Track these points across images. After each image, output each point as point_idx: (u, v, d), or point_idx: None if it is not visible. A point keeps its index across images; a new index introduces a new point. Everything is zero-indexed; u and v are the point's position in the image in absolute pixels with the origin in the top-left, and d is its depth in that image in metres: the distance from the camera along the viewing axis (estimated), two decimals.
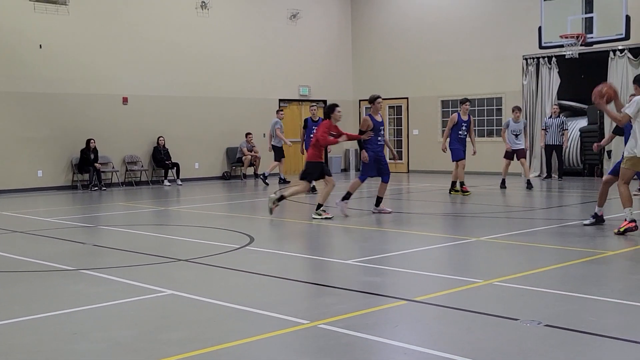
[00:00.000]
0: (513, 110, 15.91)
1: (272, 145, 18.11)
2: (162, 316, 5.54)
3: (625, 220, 8.89)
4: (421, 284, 6.60)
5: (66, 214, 12.68)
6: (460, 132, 14.47)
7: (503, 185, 15.83)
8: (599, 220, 9.71)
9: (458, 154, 14.49)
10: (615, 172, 9.39)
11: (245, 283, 6.73)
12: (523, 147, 15.72)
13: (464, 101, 14.62)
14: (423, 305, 5.70)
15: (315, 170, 11.44)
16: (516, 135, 15.61)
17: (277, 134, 17.96)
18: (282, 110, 19.10)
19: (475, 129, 20.30)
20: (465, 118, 14.46)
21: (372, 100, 11.68)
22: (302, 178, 11.51)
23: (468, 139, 14.72)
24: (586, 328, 4.92)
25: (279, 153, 18.14)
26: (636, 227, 8.83)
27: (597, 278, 6.74)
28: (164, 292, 6.20)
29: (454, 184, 14.71)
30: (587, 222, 9.85)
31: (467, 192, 14.57)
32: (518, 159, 15.87)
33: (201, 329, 5.16)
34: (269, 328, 5.09)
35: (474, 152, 15.03)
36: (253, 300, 5.91)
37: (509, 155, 15.83)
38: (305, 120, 16.35)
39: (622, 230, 8.83)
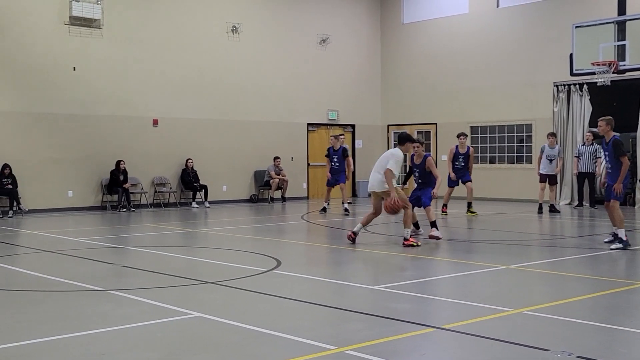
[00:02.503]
0: (548, 136, 16.75)
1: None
2: (188, 338, 5.53)
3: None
4: (449, 311, 6.53)
5: (95, 235, 12.79)
6: (456, 163, 15.74)
7: (540, 210, 16.47)
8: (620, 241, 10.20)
9: (450, 182, 15.74)
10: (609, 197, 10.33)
11: (271, 307, 6.70)
12: (554, 173, 16.63)
13: (459, 135, 15.91)
14: (451, 333, 5.63)
15: None
16: (550, 161, 16.48)
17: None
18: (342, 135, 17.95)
19: (505, 156, 20.31)
20: (462, 151, 15.71)
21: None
22: None
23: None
24: None
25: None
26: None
27: (628, 309, 6.61)
28: (190, 315, 6.20)
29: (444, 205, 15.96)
30: (613, 246, 10.19)
31: (445, 213, 15.71)
32: (551, 185, 16.70)
33: (227, 353, 5.15)
34: (295, 353, 5.06)
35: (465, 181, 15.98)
36: (279, 324, 5.88)
37: (543, 178, 16.62)
38: (328, 149, 16.92)
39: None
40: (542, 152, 16.65)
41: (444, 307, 6.72)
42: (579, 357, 4.86)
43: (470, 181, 15.88)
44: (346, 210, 16.37)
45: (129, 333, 5.67)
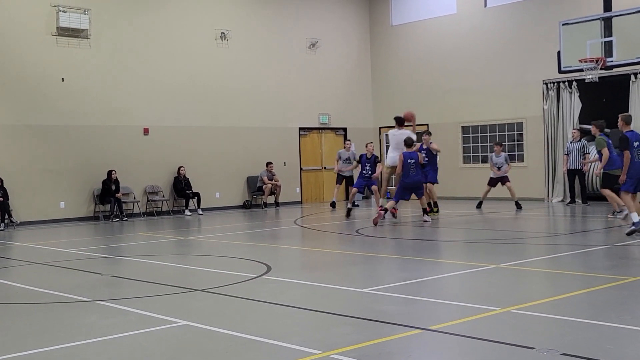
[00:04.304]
0: (494, 145, 18.06)
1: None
2: (174, 347, 5.51)
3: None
4: (437, 312, 6.51)
5: (87, 245, 12.75)
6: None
7: (479, 206, 17.58)
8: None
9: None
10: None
11: (259, 313, 6.68)
12: (505, 174, 17.69)
13: (423, 133, 16.80)
14: (438, 334, 5.62)
15: None
16: (498, 168, 17.64)
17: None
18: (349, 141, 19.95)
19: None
20: (425, 146, 16.17)
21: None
22: None
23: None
24: (604, 356, 4.80)
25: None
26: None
27: (615, 305, 6.60)
28: (178, 323, 6.18)
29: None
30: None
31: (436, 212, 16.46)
32: (503, 184, 17.65)
33: None
34: (280, 358, 5.04)
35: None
36: (266, 330, 5.86)
37: (492, 182, 17.77)
38: (360, 157, 17.39)
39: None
40: (491, 160, 17.86)
41: (432, 308, 6.70)
42: (563, 354, 4.85)
43: (431, 182, 16.01)
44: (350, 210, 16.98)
45: (115, 343, 5.64)
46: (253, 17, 21.19)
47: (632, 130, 11.60)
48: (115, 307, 6.96)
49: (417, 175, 14.62)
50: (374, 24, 23.88)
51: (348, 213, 16.44)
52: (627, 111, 18.00)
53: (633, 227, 10.93)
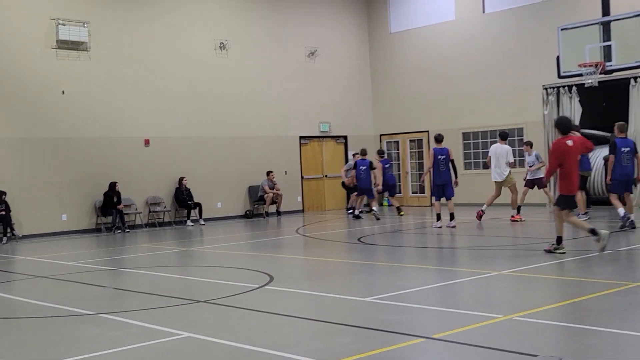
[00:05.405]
0: (524, 146, 17.50)
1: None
2: (177, 359, 5.52)
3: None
4: (440, 320, 6.51)
5: (89, 258, 12.74)
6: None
7: (518, 211, 16.69)
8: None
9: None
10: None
11: (262, 323, 6.68)
12: (541, 176, 16.43)
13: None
14: (441, 342, 5.62)
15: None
16: (529, 167, 17.02)
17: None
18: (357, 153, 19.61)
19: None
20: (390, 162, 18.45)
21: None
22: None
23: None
24: None
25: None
26: None
27: (619, 310, 6.60)
28: (180, 335, 6.18)
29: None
30: None
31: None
32: (540, 188, 16.74)
33: None
34: None
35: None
36: (268, 341, 5.86)
37: (528, 183, 16.76)
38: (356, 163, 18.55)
39: None
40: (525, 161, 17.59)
41: (435, 316, 6.70)
42: None
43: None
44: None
45: (118, 357, 5.65)
46: (252, 26, 21.24)
47: (625, 137, 12.25)
48: (118, 320, 6.97)
49: (447, 171, 14.83)
50: (372, 32, 23.93)
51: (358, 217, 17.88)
52: (627, 115, 18.05)
53: (621, 222, 12.32)
